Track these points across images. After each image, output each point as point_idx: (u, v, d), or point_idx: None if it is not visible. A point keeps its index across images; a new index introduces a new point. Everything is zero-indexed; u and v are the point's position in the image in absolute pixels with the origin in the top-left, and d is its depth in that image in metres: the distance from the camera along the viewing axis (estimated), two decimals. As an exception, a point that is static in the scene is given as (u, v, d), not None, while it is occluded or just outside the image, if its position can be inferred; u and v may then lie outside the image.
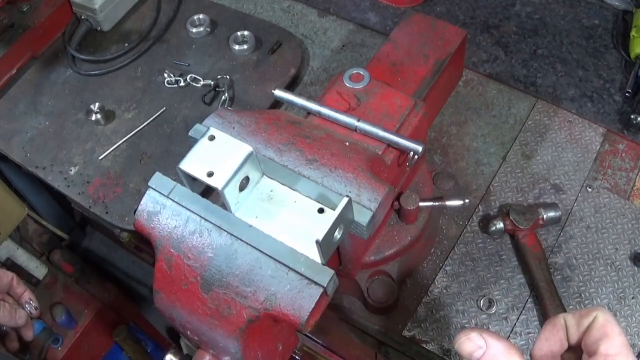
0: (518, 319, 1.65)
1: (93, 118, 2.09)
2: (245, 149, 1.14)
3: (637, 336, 1.61)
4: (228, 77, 2.10)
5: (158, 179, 1.20)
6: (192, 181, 1.16)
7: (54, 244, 3.20)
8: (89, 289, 3.07)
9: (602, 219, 1.79)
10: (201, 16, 2.26)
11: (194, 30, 2.24)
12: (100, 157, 2.00)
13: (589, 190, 1.83)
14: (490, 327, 1.64)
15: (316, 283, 1.05)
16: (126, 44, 2.28)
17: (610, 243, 1.75)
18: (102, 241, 3.50)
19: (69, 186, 1.99)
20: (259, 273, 1.08)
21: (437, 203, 1.54)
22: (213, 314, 1.13)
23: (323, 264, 1.07)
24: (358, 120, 1.17)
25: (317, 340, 2.13)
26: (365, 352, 1.91)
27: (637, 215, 1.78)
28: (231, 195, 1.13)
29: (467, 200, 1.54)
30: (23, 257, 2.94)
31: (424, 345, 1.64)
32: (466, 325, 1.66)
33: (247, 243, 1.11)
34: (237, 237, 1.11)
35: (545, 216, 1.71)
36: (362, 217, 1.14)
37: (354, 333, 1.80)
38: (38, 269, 3.00)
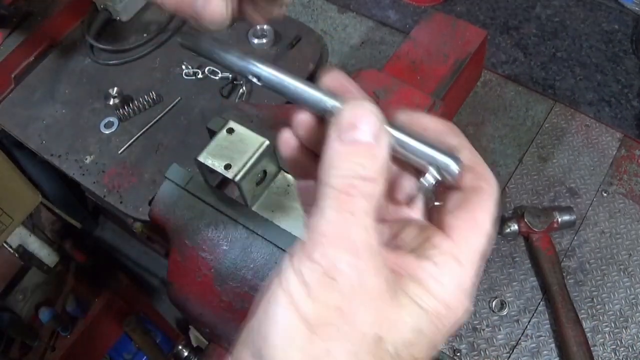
0: (530, 321, 1.65)
1: (111, 102, 2.09)
2: (264, 142, 1.14)
3: (649, 343, 1.61)
4: (246, 70, 2.10)
5: (175, 170, 1.20)
6: (209, 173, 1.16)
7: (66, 233, 3.21)
8: (99, 278, 3.08)
9: (616, 224, 1.78)
10: (221, 9, 2.26)
11: (213, 22, 2.23)
12: (119, 151, 2.00)
13: (604, 195, 1.83)
14: (502, 328, 1.64)
15: (331, 279, 1.04)
16: (145, 35, 2.28)
17: (623, 249, 1.74)
18: (114, 231, 3.51)
19: (84, 175, 1.99)
20: (273, 267, 1.08)
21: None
22: (226, 307, 1.13)
23: (338, 260, 1.07)
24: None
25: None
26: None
27: (652, 222, 1.77)
28: (248, 188, 1.13)
29: (482, 201, 1.54)
30: (35, 245, 2.95)
31: (435, 345, 1.64)
32: (477, 327, 1.65)
33: (262, 237, 1.11)
34: (253, 231, 1.12)
35: (559, 219, 1.70)
36: (379, 214, 1.14)
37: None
38: (49, 257, 3.01)
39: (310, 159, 0.68)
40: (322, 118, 0.64)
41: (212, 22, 1.03)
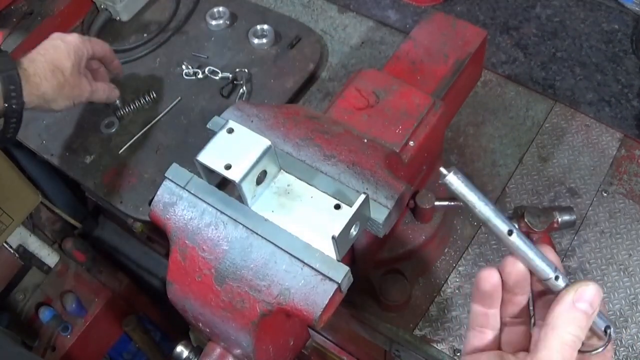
0: (530, 321, 1.65)
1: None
2: (264, 142, 1.14)
3: (649, 343, 1.61)
4: (246, 70, 2.10)
5: (175, 170, 1.20)
6: (209, 173, 1.16)
7: (66, 232, 3.21)
8: (100, 278, 3.08)
9: (616, 225, 1.78)
10: (221, 9, 2.26)
11: (214, 22, 2.24)
12: (119, 151, 2.00)
13: (604, 195, 1.82)
14: (502, 329, 1.64)
15: (330, 279, 1.04)
16: (145, 35, 2.28)
17: (624, 249, 1.74)
18: (115, 231, 3.50)
19: (84, 175, 2.00)
20: (273, 267, 1.08)
21: (452, 203, 1.53)
22: (226, 307, 1.14)
23: (338, 260, 1.07)
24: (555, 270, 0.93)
25: (328, 337, 2.13)
26: (375, 350, 1.91)
27: (652, 222, 1.77)
28: (248, 188, 1.13)
29: (482, 201, 1.54)
30: (35, 245, 2.96)
31: (435, 345, 1.64)
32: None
33: (262, 237, 1.11)
34: (253, 231, 1.11)
35: (560, 219, 1.70)
36: (379, 214, 1.14)
37: (365, 330, 1.80)
38: (50, 257, 3.01)
39: (499, 294, 0.94)
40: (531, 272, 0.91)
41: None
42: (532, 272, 0.91)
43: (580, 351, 0.87)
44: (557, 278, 0.89)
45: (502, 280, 0.93)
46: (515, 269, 0.90)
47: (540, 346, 0.86)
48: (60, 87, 1.70)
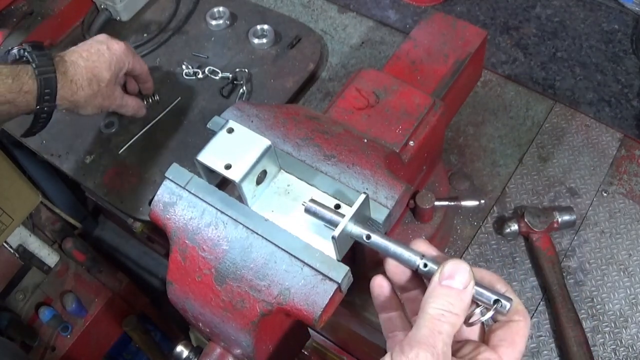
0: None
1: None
2: (264, 142, 1.14)
3: (649, 343, 1.61)
4: (246, 70, 2.10)
5: (175, 170, 1.20)
6: (209, 173, 1.16)
7: (66, 232, 3.21)
8: (99, 278, 3.08)
9: (616, 224, 1.78)
10: (221, 9, 2.26)
11: (214, 22, 2.24)
12: (119, 151, 2.00)
13: (604, 195, 1.82)
14: (502, 329, 1.64)
15: (331, 279, 1.04)
16: (145, 35, 2.28)
17: (624, 249, 1.74)
18: (115, 231, 3.51)
19: (84, 175, 1.99)
20: (273, 267, 1.08)
21: (452, 203, 1.53)
22: (226, 307, 1.13)
23: (338, 260, 1.07)
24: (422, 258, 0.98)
25: (328, 337, 2.13)
26: (375, 350, 1.91)
27: (652, 222, 1.77)
28: (248, 188, 1.13)
29: (482, 201, 1.54)
30: (35, 244, 2.96)
31: (435, 345, 1.64)
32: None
33: (262, 237, 1.10)
34: (253, 231, 1.11)
35: (560, 219, 1.70)
36: (379, 214, 1.14)
37: (365, 330, 1.80)
38: (50, 257, 3.01)
39: (394, 297, 1.03)
40: (413, 271, 0.98)
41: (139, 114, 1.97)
42: (404, 265, 0.98)
43: (469, 323, 0.91)
44: (425, 265, 0.95)
45: (393, 283, 1.03)
46: (391, 266, 1.00)
47: (413, 327, 0.89)
48: (93, 96, 1.73)
